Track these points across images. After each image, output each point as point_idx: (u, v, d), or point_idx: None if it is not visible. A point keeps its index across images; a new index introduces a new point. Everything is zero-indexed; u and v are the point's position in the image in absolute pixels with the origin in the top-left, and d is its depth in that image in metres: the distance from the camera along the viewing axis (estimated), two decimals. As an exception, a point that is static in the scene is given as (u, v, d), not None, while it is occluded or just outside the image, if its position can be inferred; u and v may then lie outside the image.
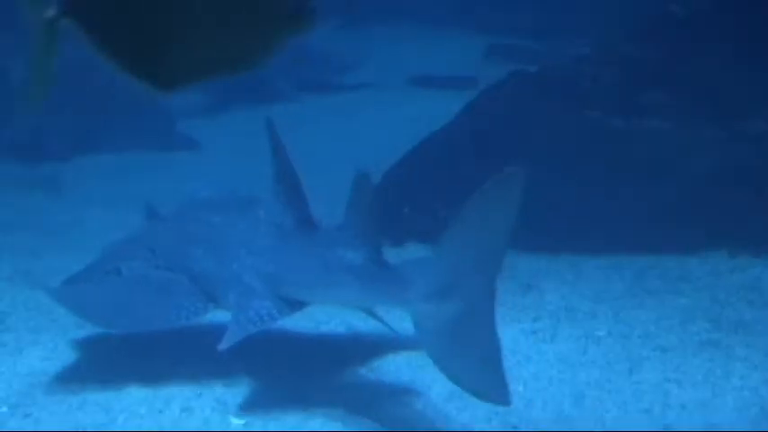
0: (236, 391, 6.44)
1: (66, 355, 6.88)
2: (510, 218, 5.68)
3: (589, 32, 12.53)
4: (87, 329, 7.07)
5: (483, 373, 5.84)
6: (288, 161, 6.44)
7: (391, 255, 8.39)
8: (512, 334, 7.24)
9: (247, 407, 6.29)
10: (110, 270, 6.87)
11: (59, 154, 12.29)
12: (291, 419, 6.16)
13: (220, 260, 6.62)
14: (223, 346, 6.10)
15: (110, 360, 6.81)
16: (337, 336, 7.29)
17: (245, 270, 6.50)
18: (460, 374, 5.89)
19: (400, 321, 6.81)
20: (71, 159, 12.37)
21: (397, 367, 6.75)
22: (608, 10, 13.48)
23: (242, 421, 6.16)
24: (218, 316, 6.71)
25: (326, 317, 7.50)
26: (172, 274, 6.73)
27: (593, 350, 7.04)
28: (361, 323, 7.24)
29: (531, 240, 8.66)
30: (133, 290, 6.71)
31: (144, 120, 12.85)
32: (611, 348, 7.07)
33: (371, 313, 6.83)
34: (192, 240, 6.83)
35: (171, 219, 7.22)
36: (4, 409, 6.29)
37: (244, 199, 7.06)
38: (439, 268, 5.78)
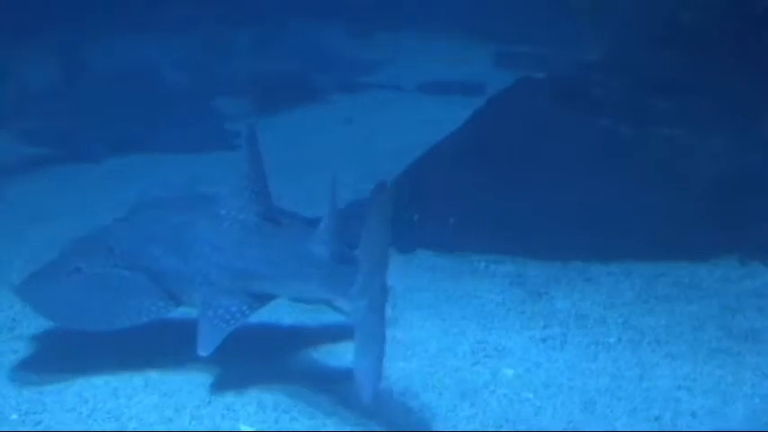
0: (246, 399, 6.44)
1: (76, 363, 6.87)
2: (388, 227, 5.96)
3: (599, 39, 12.51)
4: (99, 337, 7.05)
5: (365, 368, 5.93)
6: (259, 161, 6.71)
7: (400, 262, 8.47)
8: (521, 341, 7.25)
9: (257, 414, 6.29)
10: (71, 269, 6.97)
11: (95, 155, 12.34)
12: (301, 425, 6.16)
13: (182, 258, 6.76)
14: (203, 351, 6.30)
15: (120, 368, 6.81)
16: (347, 340, 7.29)
17: (211, 267, 6.64)
18: (357, 366, 5.96)
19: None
20: (107, 160, 12.41)
21: (408, 373, 6.75)
22: (618, 17, 13.46)
23: (252, 429, 6.16)
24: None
25: (333, 320, 7.50)
26: (131, 273, 6.85)
27: (604, 357, 7.03)
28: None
29: (541, 248, 8.67)
30: (94, 289, 6.83)
31: (192, 120, 12.91)
32: (622, 355, 7.06)
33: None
34: (151, 239, 6.93)
35: (128, 218, 7.27)
36: (15, 416, 6.31)
37: (199, 197, 7.26)
38: (361, 268, 5.99)
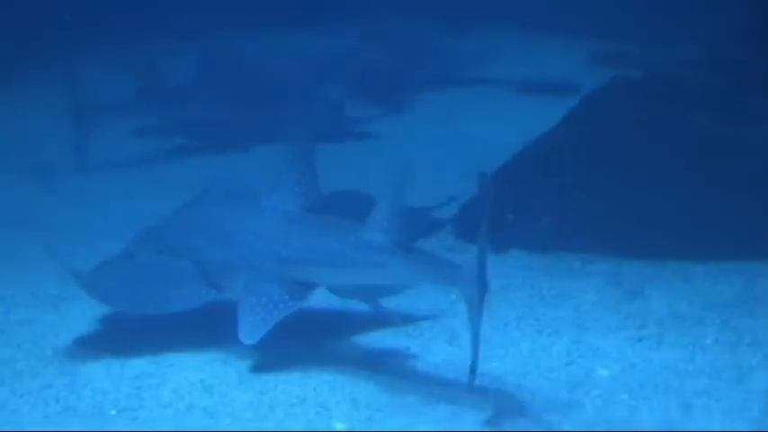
0: (340, 396, 6.47)
1: (172, 360, 6.97)
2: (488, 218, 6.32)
3: (697, 37, 12.36)
4: (194, 333, 7.16)
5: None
6: (309, 152, 7.13)
7: (495, 261, 8.46)
8: (617, 341, 7.18)
9: (351, 412, 6.31)
10: (126, 257, 7.47)
11: (241, 144, 12.72)
12: (395, 423, 6.16)
13: (224, 247, 7.08)
14: (246, 340, 6.63)
15: (216, 364, 6.89)
16: (438, 338, 7.29)
17: (252, 255, 6.95)
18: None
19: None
20: (253, 149, 12.68)
21: (502, 373, 6.73)
22: (716, 14, 13.30)
23: (345, 425, 6.18)
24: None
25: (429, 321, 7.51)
26: (177, 261, 7.20)
27: (701, 358, 6.93)
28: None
29: (638, 247, 8.58)
30: (143, 276, 7.24)
31: (318, 111, 13.21)
32: (719, 356, 6.96)
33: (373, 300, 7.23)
34: (195, 229, 7.33)
35: (182, 209, 7.69)
36: (113, 412, 6.40)
37: (246, 190, 7.53)
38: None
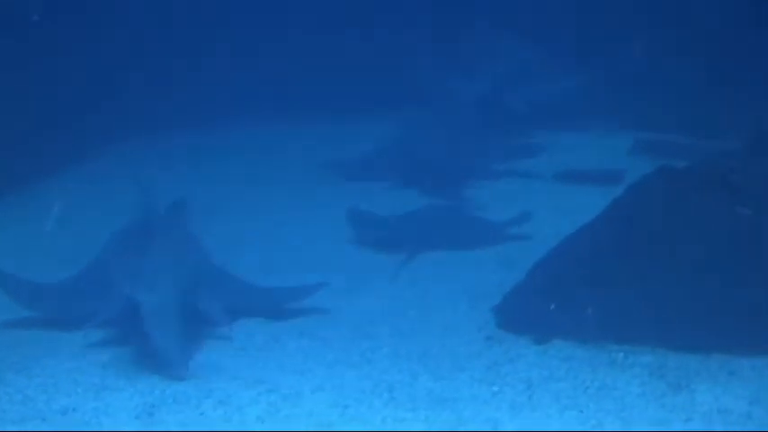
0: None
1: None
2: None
3: (739, 127, 12.35)
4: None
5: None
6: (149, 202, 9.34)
7: (536, 352, 8.43)
8: (662, 436, 7.10)
9: None
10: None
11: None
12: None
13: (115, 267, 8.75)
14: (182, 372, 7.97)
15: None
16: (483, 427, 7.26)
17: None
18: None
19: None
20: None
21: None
22: (758, 104, 13.32)
23: None
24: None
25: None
26: (98, 278, 8.81)
27: (749, 454, 6.83)
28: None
29: (682, 339, 8.51)
30: (59, 287, 9.06)
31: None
32: (769, 452, 6.85)
33: None
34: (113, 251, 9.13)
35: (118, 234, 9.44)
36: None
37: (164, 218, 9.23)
38: None
